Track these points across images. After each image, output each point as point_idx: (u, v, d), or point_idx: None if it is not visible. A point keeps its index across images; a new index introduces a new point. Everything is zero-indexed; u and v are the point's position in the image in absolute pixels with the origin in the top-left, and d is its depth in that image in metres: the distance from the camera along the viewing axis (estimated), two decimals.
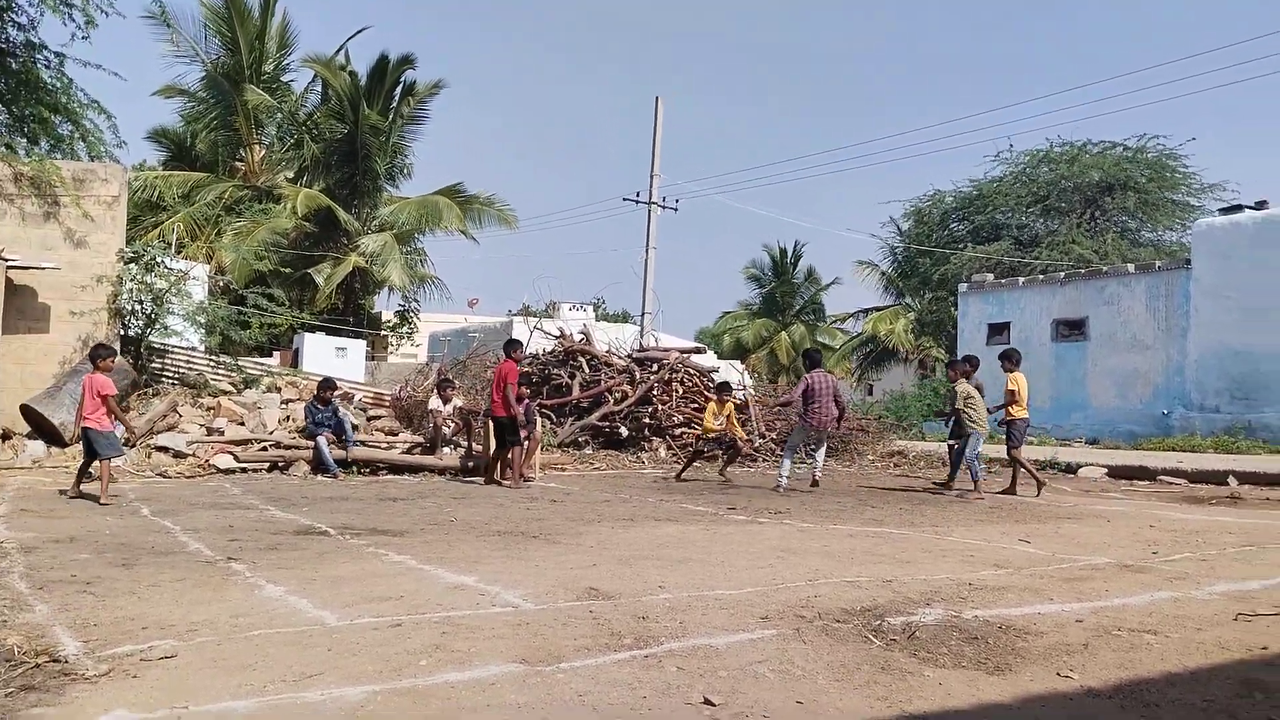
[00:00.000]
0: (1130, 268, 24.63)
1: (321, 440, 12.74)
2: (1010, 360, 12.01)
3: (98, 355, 9.61)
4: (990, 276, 29.11)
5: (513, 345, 12.90)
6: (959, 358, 14.84)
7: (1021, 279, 27.68)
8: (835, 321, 50.49)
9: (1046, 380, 25.24)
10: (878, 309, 43.37)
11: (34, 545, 6.60)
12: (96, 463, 9.44)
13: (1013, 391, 11.78)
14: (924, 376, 39.47)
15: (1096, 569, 6.63)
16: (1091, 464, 16.05)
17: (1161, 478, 14.61)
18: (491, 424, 12.49)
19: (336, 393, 13.86)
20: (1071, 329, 25.07)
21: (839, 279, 50.43)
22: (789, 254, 49.98)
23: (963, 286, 29.10)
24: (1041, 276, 27.70)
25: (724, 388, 14.38)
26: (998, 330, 27.13)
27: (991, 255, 34.17)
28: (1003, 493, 12.04)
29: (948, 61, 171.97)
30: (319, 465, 12.72)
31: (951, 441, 13.07)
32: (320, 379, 14.41)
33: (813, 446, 12.91)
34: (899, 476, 14.83)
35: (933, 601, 5.34)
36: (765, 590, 5.58)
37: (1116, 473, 15.45)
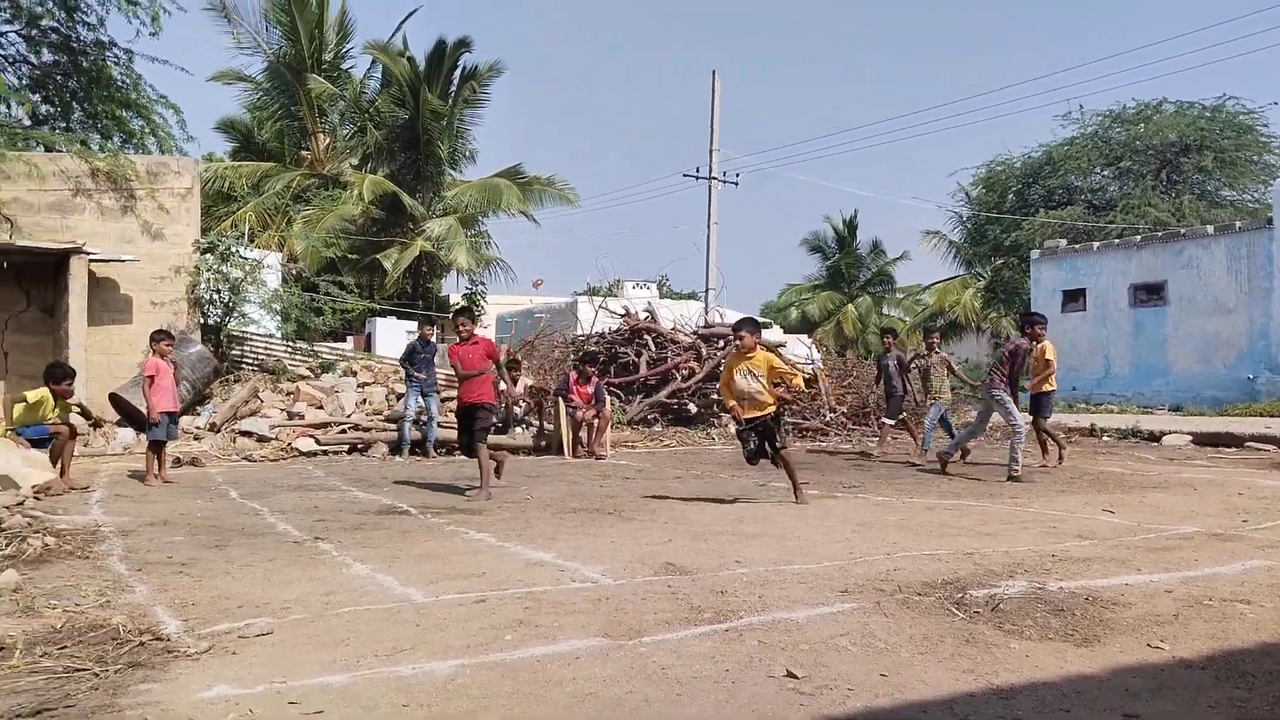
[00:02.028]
0: (1209, 229, 23.83)
1: (406, 425, 12.93)
2: (1043, 327, 11.45)
3: (152, 339, 10.04)
4: (1063, 242, 28.42)
5: (464, 312, 9.35)
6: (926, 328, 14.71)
7: (1096, 244, 26.97)
8: (905, 296, 49.71)
9: (1125, 347, 24.62)
10: (947, 280, 42.66)
11: (130, 529, 6.85)
12: (170, 444, 10.01)
13: (1050, 361, 11.37)
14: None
15: (1185, 538, 6.48)
16: (1175, 431, 15.66)
17: (1249, 444, 14.19)
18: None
19: (433, 332, 14.00)
20: (1150, 294, 24.39)
21: (907, 253, 49.40)
22: (852, 225, 49.33)
23: (1035, 253, 28.46)
24: (1117, 240, 26.94)
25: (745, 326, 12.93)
26: (1072, 297, 26.51)
27: (1064, 220, 33.33)
28: (1056, 464, 11.58)
29: (1012, 22, 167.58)
30: (399, 444, 12.92)
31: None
32: (421, 319, 14.72)
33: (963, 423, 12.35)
34: (974, 448, 14.61)
35: (1016, 574, 5.28)
36: (843, 564, 5.57)
37: (1201, 440, 15.05)
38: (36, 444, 9.46)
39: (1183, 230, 25.26)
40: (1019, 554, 5.87)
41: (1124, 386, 24.03)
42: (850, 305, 47.63)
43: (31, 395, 9.75)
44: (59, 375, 9.71)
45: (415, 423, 13.10)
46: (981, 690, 3.46)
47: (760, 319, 26.16)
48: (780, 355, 13.19)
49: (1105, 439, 16.07)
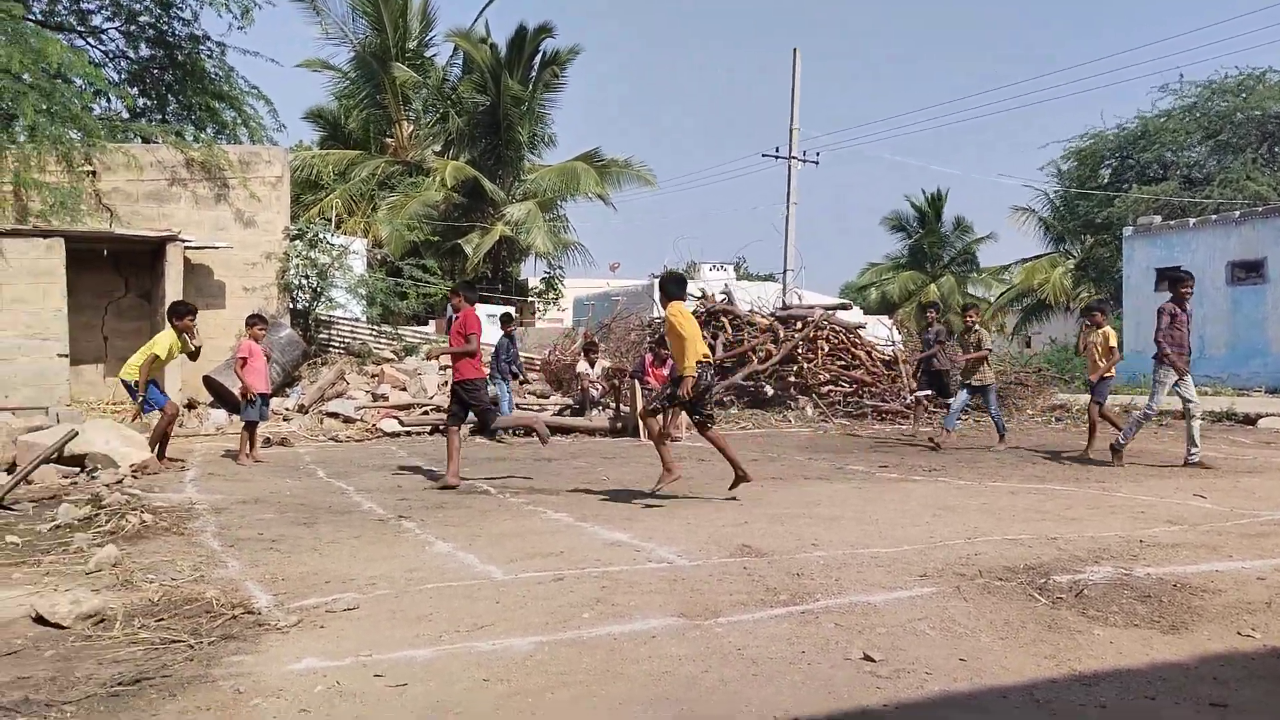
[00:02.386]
0: None
1: (505, 405, 13.04)
2: (1103, 313, 11.15)
3: (247, 323, 10.33)
4: (1158, 218, 27.45)
5: (466, 286, 10.24)
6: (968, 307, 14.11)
7: (1192, 220, 26.00)
8: (989, 274, 48.49)
9: (1222, 326, 23.70)
10: (1035, 258, 41.57)
11: (223, 506, 7.11)
12: (261, 424, 10.29)
13: (1114, 348, 10.80)
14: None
15: (1278, 524, 6.25)
16: (1272, 414, 15.05)
17: None
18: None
19: (514, 327, 14.17)
20: (1248, 271, 23.41)
21: (994, 234, 48.09)
22: (936, 202, 48.24)
23: (1127, 230, 27.55)
24: (1214, 216, 25.91)
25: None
26: (1166, 275, 25.62)
27: (1159, 195, 32.15)
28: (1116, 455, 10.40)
29: None
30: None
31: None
32: (500, 314, 14.85)
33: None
34: (1060, 432, 14.27)
35: (1101, 559, 5.16)
36: (923, 548, 5.51)
37: None
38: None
39: None
40: (1105, 539, 5.73)
41: (1220, 368, 23.13)
42: (933, 285, 46.67)
43: (160, 346, 9.56)
44: (182, 311, 9.85)
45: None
46: (1064, 676, 3.41)
47: (840, 299, 25.85)
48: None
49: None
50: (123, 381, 9.76)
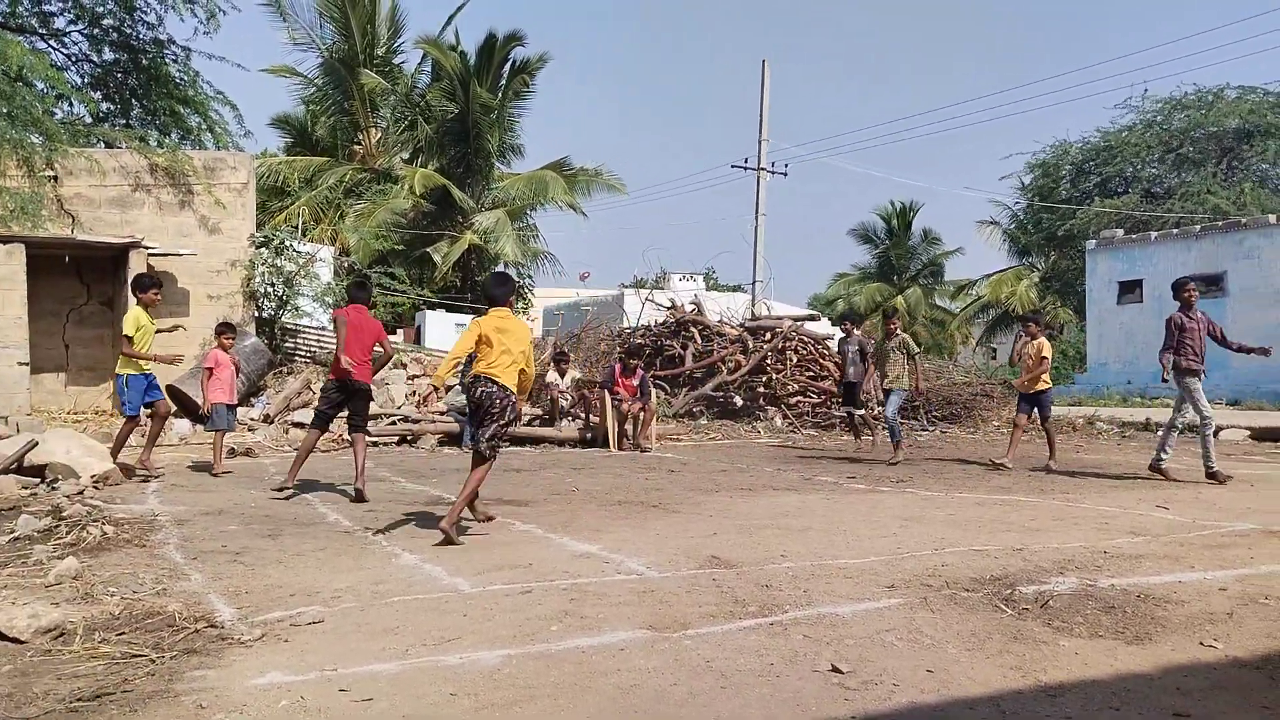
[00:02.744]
0: (1271, 218, 23.27)
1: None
2: (1038, 325, 11.18)
3: (217, 332, 10.16)
4: (1120, 232, 27.90)
5: (359, 286, 8.99)
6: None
7: (1154, 234, 26.43)
8: (956, 287, 48.96)
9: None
10: (1000, 271, 42.07)
11: (186, 518, 7.01)
12: (227, 435, 10.15)
13: (1045, 358, 10.72)
14: (1051, 338, 38.15)
15: (1240, 535, 6.35)
16: (1233, 426, 15.30)
17: None
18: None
19: None
20: (1209, 285, 23.83)
21: (961, 249, 48.53)
22: (903, 214, 48.69)
23: (1090, 243, 27.98)
24: (1175, 230, 26.38)
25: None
26: (1129, 288, 26.02)
27: (1121, 209, 32.67)
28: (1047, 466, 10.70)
29: (1071, 7, 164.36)
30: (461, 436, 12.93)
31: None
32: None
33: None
34: (1024, 443, 14.40)
35: (1066, 570, 5.21)
36: (890, 559, 5.54)
37: (1260, 435, 14.70)
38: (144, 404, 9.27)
39: (1243, 220, 24.67)
40: (1069, 550, 5.80)
41: None
42: (899, 297, 47.06)
43: (128, 323, 9.18)
44: (146, 284, 9.49)
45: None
46: (1029, 688, 3.43)
47: (809, 311, 25.99)
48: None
49: (1160, 434, 15.73)
50: (121, 378, 9.21)
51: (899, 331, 11.68)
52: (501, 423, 6.29)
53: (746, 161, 29.69)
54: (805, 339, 17.81)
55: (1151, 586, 4.85)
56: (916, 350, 11.57)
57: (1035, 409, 10.97)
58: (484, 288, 6.75)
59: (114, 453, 9.24)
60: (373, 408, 14.24)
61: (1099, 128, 37.35)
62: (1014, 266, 41.82)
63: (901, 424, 12.03)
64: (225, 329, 10.21)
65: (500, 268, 37.63)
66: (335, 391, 8.25)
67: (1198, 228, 25.14)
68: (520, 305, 38.32)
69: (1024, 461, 11.33)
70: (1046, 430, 11.00)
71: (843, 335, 13.58)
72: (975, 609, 4.43)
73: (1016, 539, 6.18)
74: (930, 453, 12.41)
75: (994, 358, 41.35)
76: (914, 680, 3.49)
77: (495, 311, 6.50)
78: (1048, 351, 10.80)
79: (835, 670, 3.56)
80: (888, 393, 11.58)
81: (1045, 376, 10.79)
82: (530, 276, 37.86)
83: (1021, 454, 11.90)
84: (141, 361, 9.18)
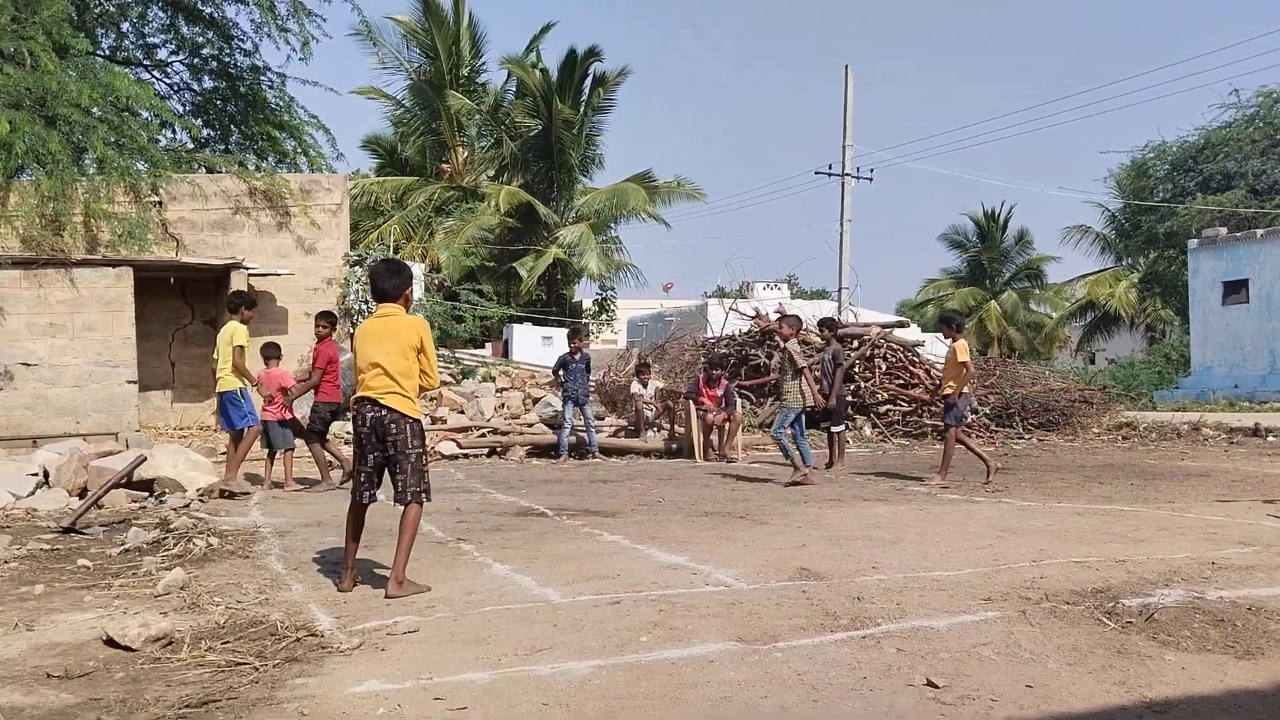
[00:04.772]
0: None
1: (564, 433, 13.03)
2: (955, 326, 10.19)
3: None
4: (1224, 230, 26.80)
5: (324, 315, 9.91)
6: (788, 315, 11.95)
7: (1260, 231, 25.33)
8: (1053, 290, 47.63)
9: None
10: (1098, 272, 40.86)
11: (286, 529, 7.23)
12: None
13: (965, 363, 9.83)
14: (1153, 341, 36.83)
15: None
16: None
17: None
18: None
19: (586, 343, 13.91)
20: None
21: (1059, 257, 46.83)
22: (996, 217, 47.59)
23: (1192, 243, 26.96)
24: None
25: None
26: (1234, 288, 24.99)
27: (1225, 206, 31.40)
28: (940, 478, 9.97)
29: (1163, 5, 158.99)
30: (559, 448, 12.99)
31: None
32: (570, 330, 14.65)
33: None
34: (1127, 450, 13.94)
35: (1172, 582, 5.02)
36: (986, 571, 5.40)
37: None
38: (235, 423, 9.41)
39: None
40: (1175, 561, 5.58)
41: None
42: (993, 302, 45.97)
43: (239, 334, 9.34)
44: (237, 304, 9.67)
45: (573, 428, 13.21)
46: (1134, 703, 3.32)
47: (897, 317, 25.55)
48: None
49: (1271, 439, 15.06)
50: (224, 396, 9.35)
51: (785, 342, 10.43)
52: (417, 463, 5.09)
53: (831, 167, 29.40)
54: (894, 346, 17.51)
55: (1263, 599, 4.64)
56: (803, 364, 10.16)
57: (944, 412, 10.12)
58: (371, 279, 5.42)
59: (234, 468, 9.25)
60: (462, 420, 14.51)
61: (1196, 126, 35.99)
62: (1112, 267, 40.56)
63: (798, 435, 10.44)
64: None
65: (593, 292, 37.79)
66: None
67: None
68: (605, 316, 38.62)
69: (1102, 471, 10.95)
70: (960, 442, 10.13)
71: (822, 343, 12.43)
72: (1076, 622, 4.30)
73: (1119, 550, 5.98)
74: (1028, 463, 12.06)
75: (1093, 362, 40.10)
76: (1012, 695, 3.40)
77: (380, 309, 5.22)
78: (965, 355, 9.89)
79: (930, 685, 3.49)
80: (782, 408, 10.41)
81: (953, 382, 9.89)
82: (614, 289, 38.14)
83: (1118, 460, 11.50)
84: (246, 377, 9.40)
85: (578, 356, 13.26)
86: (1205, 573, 5.25)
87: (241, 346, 9.38)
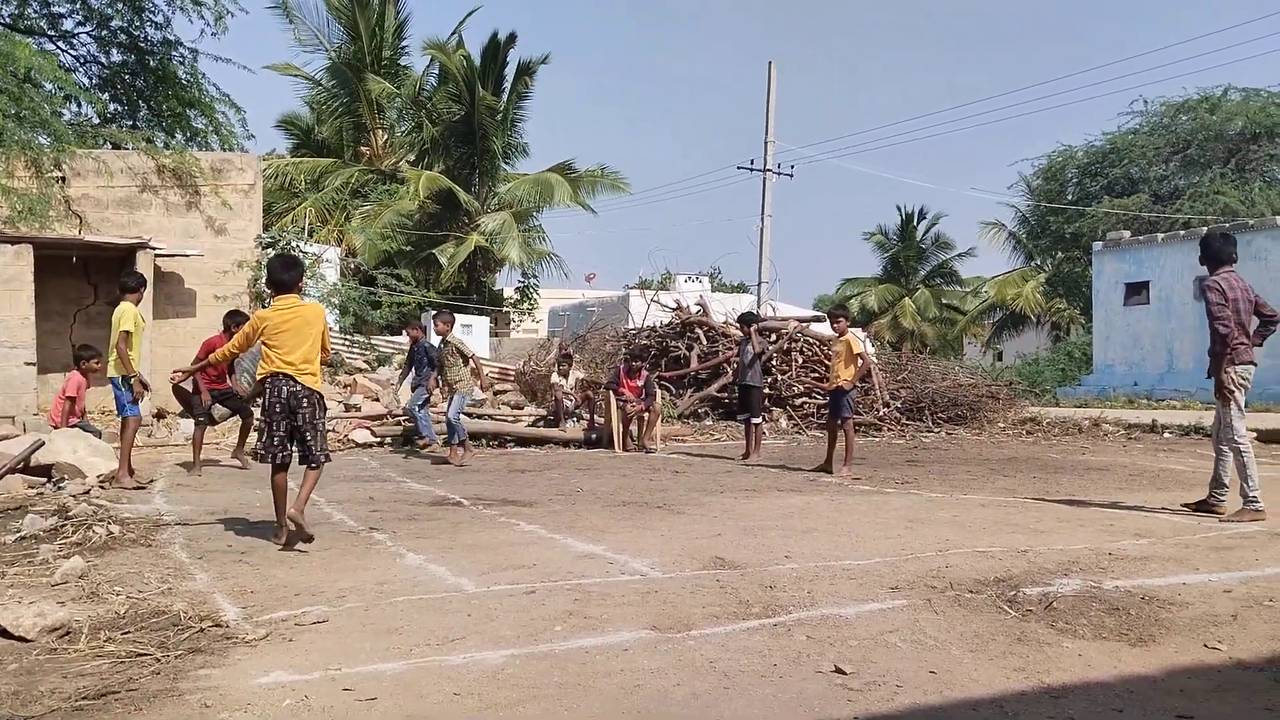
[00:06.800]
0: (1279, 219, 23.16)
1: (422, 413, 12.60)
2: (845, 319, 10.47)
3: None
4: (1127, 234, 27.83)
5: (233, 316, 10.08)
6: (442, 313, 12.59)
7: (1161, 235, 26.36)
8: (970, 290, 48.97)
9: (1190, 341, 24.06)
10: (1006, 273, 42.08)
11: (191, 518, 7.03)
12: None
13: (858, 355, 10.07)
14: (1057, 339, 38.08)
15: (1246, 537, 6.34)
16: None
17: None
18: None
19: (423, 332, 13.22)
20: None
21: (974, 249, 48.32)
22: (914, 218, 48.82)
23: (1097, 245, 27.91)
24: (1183, 232, 26.31)
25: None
26: (1135, 290, 25.96)
27: (1128, 210, 32.60)
28: (820, 469, 10.43)
29: (1077, 13, 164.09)
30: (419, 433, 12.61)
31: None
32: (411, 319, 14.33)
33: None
34: (1031, 444, 14.40)
35: (1070, 571, 5.21)
36: (894, 560, 5.53)
37: (1267, 437, 14.62)
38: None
39: (1250, 221, 24.59)
40: (1074, 552, 5.79)
41: (1188, 382, 23.46)
42: (908, 299, 47.07)
43: (127, 318, 8.86)
44: (132, 285, 9.29)
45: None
46: (1033, 689, 3.43)
47: (814, 313, 25.94)
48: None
49: (1166, 436, 15.71)
50: (115, 382, 8.94)
51: (448, 336, 11.15)
52: (322, 430, 6.04)
53: (753, 163, 29.64)
54: (811, 340, 17.79)
55: (1156, 588, 4.84)
56: (471, 352, 11.14)
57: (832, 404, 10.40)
58: (269, 272, 6.29)
59: (124, 460, 8.79)
60: (377, 408, 14.29)
61: (1104, 131, 37.33)
62: (1020, 268, 41.79)
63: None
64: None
65: (514, 280, 37.62)
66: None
67: (1205, 229, 25.09)
68: (526, 305, 38.41)
69: (1007, 465, 11.32)
70: (830, 429, 10.49)
71: (743, 337, 12.41)
72: (979, 610, 4.43)
73: (1021, 540, 6.17)
74: (937, 455, 12.37)
75: (1000, 359, 41.29)
76: (917, 681, 3.49)
77: (282, 300, 6.03)
78: (858, 348, 10.18)
79: (839, 671, 3.56)
80: (451, 394, 11.22)
81: (846, 374, 10.11)
82: (536, 278, 37.95)
83: (1021, 453, 11.86)
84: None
85: (415, 346, 12.81)
86: (1102, 563, 5.46)
87: (128, 331, 8.80)
